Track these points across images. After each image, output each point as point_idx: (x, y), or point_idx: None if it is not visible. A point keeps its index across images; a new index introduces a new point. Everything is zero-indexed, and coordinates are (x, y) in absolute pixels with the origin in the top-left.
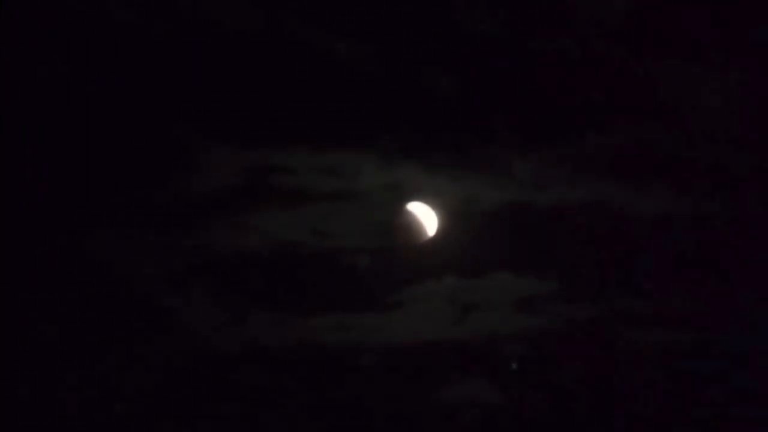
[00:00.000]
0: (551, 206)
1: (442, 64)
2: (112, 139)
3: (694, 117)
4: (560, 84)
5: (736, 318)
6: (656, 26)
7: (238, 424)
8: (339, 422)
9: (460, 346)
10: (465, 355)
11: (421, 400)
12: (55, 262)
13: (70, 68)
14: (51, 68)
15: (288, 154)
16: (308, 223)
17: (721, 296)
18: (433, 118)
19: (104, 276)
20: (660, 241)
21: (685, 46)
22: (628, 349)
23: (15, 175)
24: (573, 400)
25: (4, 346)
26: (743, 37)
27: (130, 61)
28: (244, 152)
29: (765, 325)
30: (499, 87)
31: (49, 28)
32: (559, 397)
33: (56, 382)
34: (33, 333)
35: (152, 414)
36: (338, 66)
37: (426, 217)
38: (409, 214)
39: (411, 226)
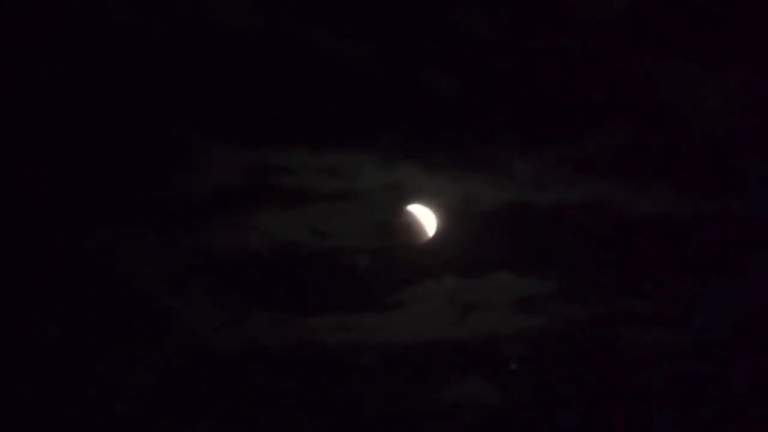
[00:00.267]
0: (551, 206)
1: (442, 64)
2: (112, 138)
3: (694, 117)
4: (560, 84)
5: (737, 318)
6: (656, 26)
7: (238, 424)
8: (339, 422)
9: (460, 346)
10: (465, 355)
11: (421, 400)
12: (55, 261)
13: (69, 68)
14: (51, 68)
15: (288, 154)
16: (308, 223)
17: (722, 296)
18: (433, 118)
19: (104, 276)
20: (660, 241)
21: (685, 46)
22: (628, 349)
23: (15, 175)
24: (573, 400)
25: (4, 346)
26: (743, 37)
27: (130, 61)
28: (244, 152)
29: (765, 326)
30: (499, 87)
31: (49, 28)
32: (559, 397)
33: (56, 382)
34: (33, 333)
35: (152, 414)
36: (338, 66)
37: (426, 217)
38: (409, 214)
39: (411, 226)
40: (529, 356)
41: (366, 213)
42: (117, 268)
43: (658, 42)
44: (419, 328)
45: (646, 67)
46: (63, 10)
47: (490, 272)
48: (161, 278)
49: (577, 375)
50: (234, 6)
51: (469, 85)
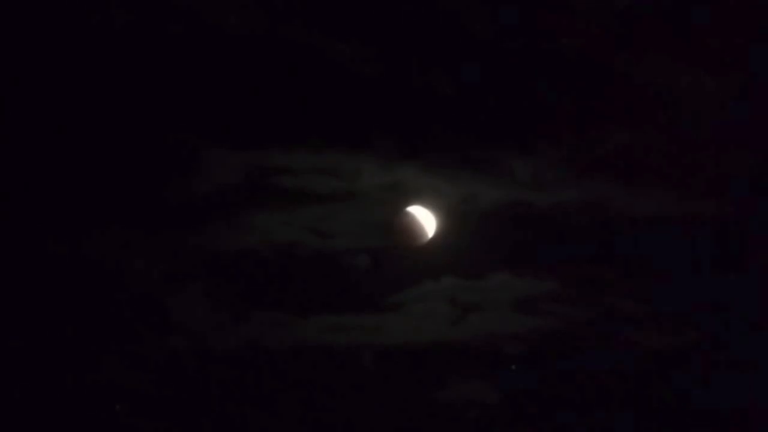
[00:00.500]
0: (550, 206)
1: (441, 65)
2: (112, 139)
3: (693, 118)
4: (560, 84)
5: (737, 318)
6: (656, 27)
7: (238, 424)
8: (339, 422)
9: (459, 347)
10: (464, 356)
11: (420, 401)
12: (55, 262)
13: (69, 69)
14: (51, 69)
15: (287, 155)
16: (307, 223)
17: (722, 296)
18: (432, 119)
19: (104, 276)
20: (659, 241)
21: (685, 47)
22: (627, 350)
23: (14, 176)
24: (572, 400)
25: (3, 346)
26: (743, 39)
27: (130, 62)
28: (243, 153)
29: (765, 326)
30: (498, 88)
31: (48, 28)
32: (558, 397)
33: (56, 381)
34: (33, 333)
35: (152, 414)
36: (338, 67)
37: (425, 217)
38: (408, 214)
39: (410, 226)
40: (528, 356)
41: (365, 214)
42: (117, 268)
43: (658, 43)
44: (419, 329)
45: (646, 67)
46: (63, 11)
47: (489, 273)
48: (161, 278)
49: (576, 375)
50: (234, 8)
51: (469, 86)
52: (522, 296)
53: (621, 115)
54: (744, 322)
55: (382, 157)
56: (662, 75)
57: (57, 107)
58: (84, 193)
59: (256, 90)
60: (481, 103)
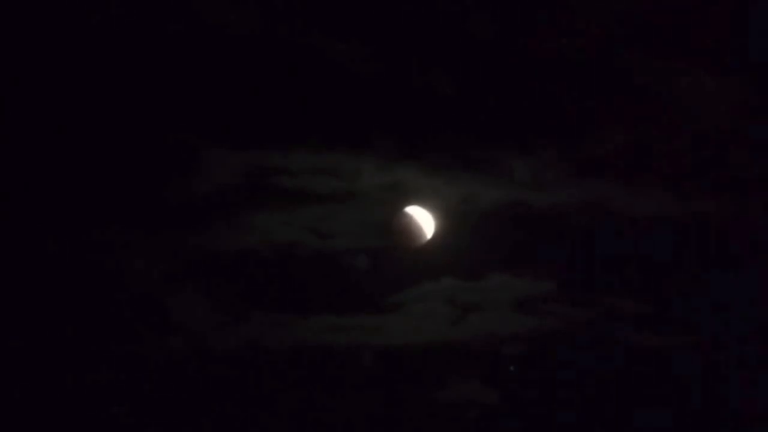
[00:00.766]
0: (550, 207)
1: (441, 66)
2: (113, 140)
3: (693, 118)
4: (560, 85)
5: (737, 318)
6: (656, 28)
7: (237, 424)
8: (339, 422)
9: (459, 347)
10: (464, 356)
11: (420, 401)
12: (55, 262)
13: (69, 69)
14: (51, 68)
15: (287, 155)
16: (307, 223)
17: (721, 297)
18: (431, 120)
19: (104, 276)
20: (659, 241)
21: (684, 47)
22: (627, 350)
23: (15, 176)
24: (572, 400)
25: (4, 346)
26: (742, 39)
27: (130, 62)
28: (243, 153)
29: (765, 326)
30: (498, 88)
31: (49, 29)
32: (558, 397)
33: (55, 382)
34: (32, 333)
35: (152, 414)
36: (337, 67)
37: (424, 218)
38: (407, 215)
39: (410, 227)
40: (528, 356)
41: (365, 214)
42: (117, 268)
43: (658, 44)
44: (418, 329)
45: (645, 68)
46: (63, 11)
47: (488, 273)
48: (161, 278)
49: (576, 375)
50: (234, 8)
51: (469, 87)
52: (522, 296)
53: (621, 115)
54: (744, 322)
55: (382, 157)
56: (662, 75)
57: (57, 107)
58: (84, 193)
59: (256, 90)
60: (481, 103)
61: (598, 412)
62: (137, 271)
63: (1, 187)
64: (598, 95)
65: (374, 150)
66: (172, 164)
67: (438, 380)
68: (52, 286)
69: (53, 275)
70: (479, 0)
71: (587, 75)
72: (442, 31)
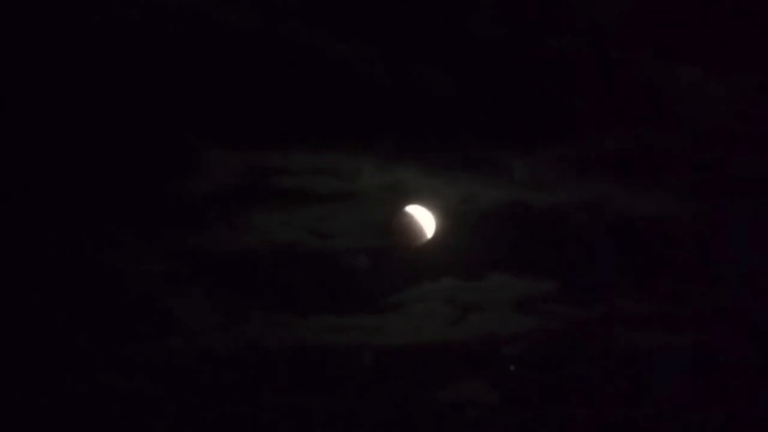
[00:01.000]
0: (550, 206)
1: (441, 66)
2: (113, 140)
3: (693, 117)
4: (560, 85)
5: (736, 318)
6: (656, 28)
7: (237, 424)
8: (338, 422)
9: (458, 347)
10: (464, 356)
11: (420, 401)
12: (55, 262)
13: (69, 69)
14: (51, 68)
15: (287, 155)
16: (307, 223)
17: (721, 297)
18: (431, 120)
19: (104, 276)
20: (660, 241)
21: (684, 49)
22: (627, 350)
23: (15, 177)
24: (572, 401)
25: (4, 346)
26: (743, 40)
27: (130, 62)
28: (243, 153)
29: (765, 326)
30: (498, 88)
31: (48, 29)
32: (557, 397)
33: (56, 382)
34: (33, 333)
35: (152, 414)
36: (337, 67)
37: (424, 218)
38: (407, 215)
39: (410, 227)
40: (528, 357)
41: (365, 214)
42: (117, 268)
43: (657, 44)
44: (418, 329)
45: (645, 68)
46: (62, 11)
47: (488, 273)
48: (161, 278)
49: (576, 375)
50: (234, 7)
51: (468, 87)
52: (522, 296)
53: (621, 115)
54: (744, 323)
55: (382, 157)
56: (662, 75)
57: (57, 107)
58: (84, 193)
59: (256, 90)
60: (481, 103)
61: (598, 412)
62: (137, 271)
63: (1, 187)
64: (598, 95)
65: (374, 150)
66: (172, 164)
67: (438, 380)
68: (52, 286)
69: (53, 275)
70: (479, 0)
71: (587, 75)
72: (442, 31)
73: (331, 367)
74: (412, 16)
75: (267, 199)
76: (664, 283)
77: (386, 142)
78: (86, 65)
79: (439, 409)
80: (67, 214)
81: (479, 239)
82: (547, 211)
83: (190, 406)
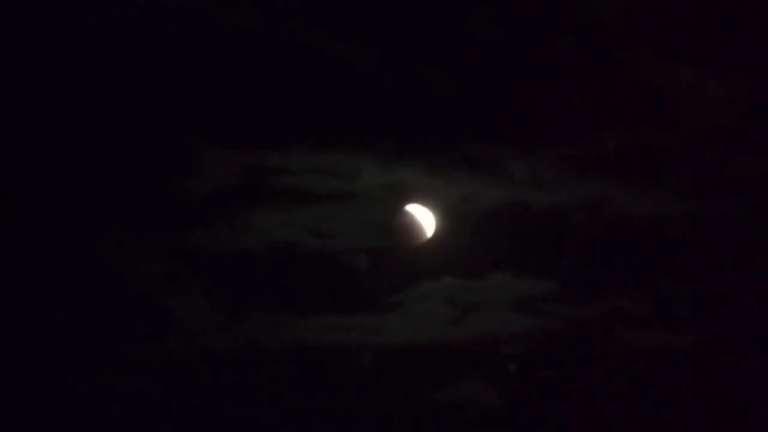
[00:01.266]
0: (550, 206)
1: (441, 65)
2: (111, 139)
3: (693, 117)
4: (559, 85)
5: (736, 318)
6: (656, 28)
7: (237, 424)
8: (338, 422)
9: (458, 347)
10: (464, 356)
11: (420, 401)
12: (54, 262)
13: (69, 68)
14: (51, 68)
15: (287, 155)
16: (307, 223)
17: (721, 297)
18: (432, 119)
19: (103, 276)
20: (659, 241)
21: (685, 47)
22: (627, 350)
23: (13, 176)
24: (572, 401)
25: (3, 346)
26: (742, 39)
27: (129, 62)
28: (242, 152)
29: (765, 325)
30: (498, 88)
31: (48, 28)
32: (558, 397)
33: (55, 382)
34: (32, 333)
35: (152, 414)
36: (337, 66)
37: (424, 217)
38: (407, 214)
39: (410, 226)
40: (528, 356)
41: (365, 213)
42: (116, 268)
43: (657, 44)
44: (418, 329)
45: (645, 67)
46: (61, 10)
47: (488, 273)
48: (160, 278)
49: (576, 375)
50: (233, 6)
51: (468, 86)
52: (522, 296)
53: (621, 114)
54: (744, 322)
55: (382, 157)
56: (662, 75)
57: (56, 107)
58: (84, 193)
59: (256, 90)
60: (481, 103)
61: (598, 412)
62: (137, 271)
63: (1, 187)
64: (598, 95)
65: (374, 150)
66: (171, 164)
67: (438, 380)
68: (51, 286)
69: (53, 275)
70: (479, 0)
71: (587, 74)
72: (442, 31)
73: (331, 367)
74: (412, 16)
75: (267, 199)
76: (664, 283)
77: (386, 142)
78: (86, 65)
79: (439, 409)
80: (67, 213)
81: (479, 239)
82: (547, 211)
83: (190, 406)
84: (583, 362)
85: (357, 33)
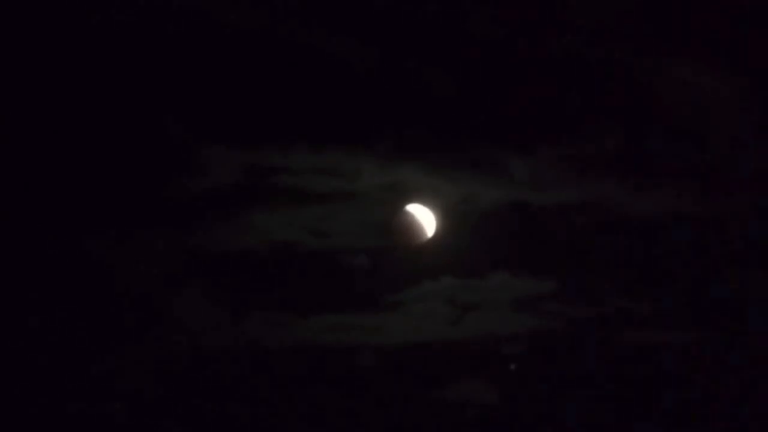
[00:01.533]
0: (550, 206)
1: (441, 65)
2: (111, 139)
3: (693, 117)
4: (560, 85)
5: (736, 318)
6: (656, 27)
7: (237, 424)
8: (338, 422)
9: (458, 347)
10: (464, 356)
11: (420, 400)
12: (54, 262)
13: (69, 68)
14: (50, 68)
15: (287, 154)
16: (307, 223)
17: (721, 297)
18: (432, 119)
19: (103, 276)
20: (659, 241)
21: (684, 47)
22: (627, 350)
23: (13, 176)
24: (572, 400)
25: (3, 346)
26: (742, 39)
27: (129, 61)
28: (242, 152)
29: (765, 325)
30: (498, 88)
31: (47, 28)
32: (558, 397)
33: (55, 381)
34: (32, 333)
35: (151, 414)
36: (337, 66)
37: (425, 217)
38: (408, 214)
39: (410, 226)
40: (528, 356)
41: (365, 213)
42: (116, 268)
43: (658, 44)
44: (418, 329)
45: (645, 67)
46: (61, 10)
47: (488, 272)
48: (160, 278)
49: (576, 375)
50: (233, 6)
51: (469, 86)
52: (522, 296)
53: (620, 114)
54: (744, 322)
55: (382, 157)
56: (662, 75)
57: (56, 106)
58: (83, 192)
59: (256, 89)
60: (481, 103)
61: (598, 412)
62: (137, 271)
63: (1, 187)
64: (597, 95)
65: (374, 150)
66: (171, 163)
67: (438, 380)
68: (51, 286)
69: (52, 275)
70: (479, 0)
71: (587, 74)
72: (442, 31)
73: (331, 367)
74: (411, 16)
75: (267, 198)
76: (664, 283)
77: (386, 142)
78: (86, 64)
79: (439, 409)
80: (66, 213)
81: (479, 239)
82: (547, 211)
83: (190, 406)
84: (582, 362)
85: (357, 33)
